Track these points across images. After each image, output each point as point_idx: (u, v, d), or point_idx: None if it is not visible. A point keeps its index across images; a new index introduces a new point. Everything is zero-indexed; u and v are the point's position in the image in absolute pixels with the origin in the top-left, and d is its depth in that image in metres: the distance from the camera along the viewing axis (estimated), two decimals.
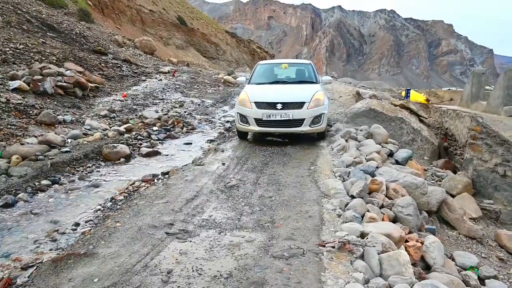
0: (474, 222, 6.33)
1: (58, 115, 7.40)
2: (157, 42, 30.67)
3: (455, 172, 8.27)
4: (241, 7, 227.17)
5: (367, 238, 3.24)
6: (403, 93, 16.52)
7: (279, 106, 6.17)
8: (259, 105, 6.29)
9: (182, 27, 40.97)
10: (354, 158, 5.69)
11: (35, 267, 2.67)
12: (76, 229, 3.39)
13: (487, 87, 12.10)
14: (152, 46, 23.11)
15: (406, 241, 3.85)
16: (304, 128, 6.24)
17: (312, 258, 2.85)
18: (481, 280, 4.35)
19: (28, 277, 2.55)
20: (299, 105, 6.23)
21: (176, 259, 2.77)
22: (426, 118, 10.23)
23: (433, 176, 7.74)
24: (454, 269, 4.10)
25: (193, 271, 2.62)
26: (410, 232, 4.23)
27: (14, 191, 4.14)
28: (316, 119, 6.33)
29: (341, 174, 5.00)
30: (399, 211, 4.41)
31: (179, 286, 2.43)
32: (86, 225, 3.48)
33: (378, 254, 3.00)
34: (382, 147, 7.03)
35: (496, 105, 8.97)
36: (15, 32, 13.12)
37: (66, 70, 10.30)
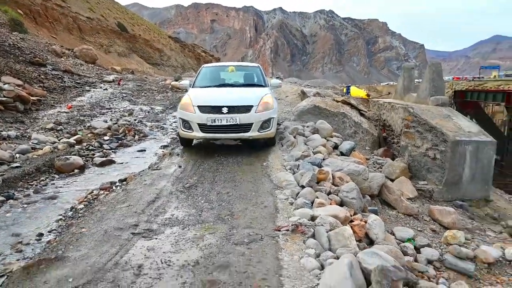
0: (411, 202, 7.04)
1: (1, 131, 7.15)
2: (98, 50, 29.74)
3: (393, 159, 9.07)
4: (183, 11, 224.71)
5: (317, 220, 3.65)
6: (345, 90, 17.64)
7: (224, 109, 5.78)
8: (203, 109, 5.88)
9: (123, 33, 39.96)
10: (303, 152, 6.15)
11: (5, 277, 2.76)
12: (40, 239, 3.46)
13: (416, 80, 13.27)
14: (93, 55, 22.44)
15: (352, 221, 4.32)
16: (253, 133, 5.89)
17: (270, 241, 3.20)
18: (417, 249, 4.97)
19: (0, 286, 2.64)
20: (247, 108, 5.89)
21: (145, 255, 2.98)
22: (366, 112, 11.05)
23: (374, 164, 8.45)
24: (394, 241, 4.67)
25: (162, 263, 2.85)
26: (355, 214, 4.72)
27: None
28: (265, 124, 6.00)
29: (291, 167, 5.42)
30: (345, 196, 4.89)
31: (150, 277, 2.65)
32: (50, 234, 3.55)
33: (327, 232, 3.41)
34: (328, 140, 7.59)
35: (424, 96, 9.94)
36: None
37: (4, 84, 9.85)
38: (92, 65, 21.30)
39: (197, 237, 3.29)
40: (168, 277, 2.64)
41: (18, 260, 3.08)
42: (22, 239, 3.47)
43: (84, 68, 19.25)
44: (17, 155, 5.98)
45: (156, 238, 3.29)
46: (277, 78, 35.76)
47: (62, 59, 19.33)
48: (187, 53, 54.01)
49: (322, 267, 2.84)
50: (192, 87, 7.11)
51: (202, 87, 7.00)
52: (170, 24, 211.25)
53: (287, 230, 3.39)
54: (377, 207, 5.93)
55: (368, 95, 18.08)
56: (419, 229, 5.90)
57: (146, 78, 21.47)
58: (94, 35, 34.56)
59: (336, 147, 7.67)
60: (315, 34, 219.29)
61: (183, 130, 6.12)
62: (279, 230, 3.41)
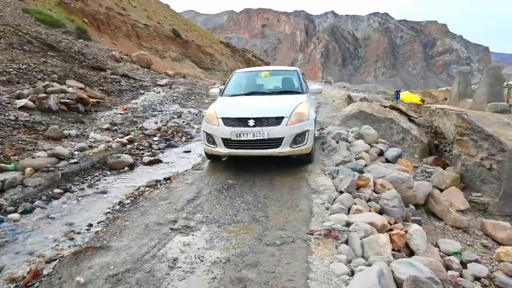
0: (461, 214, 6.68)
1: (64, 130, 7.79)
2: (153, 55, 31.22)
3: (444, 168, 8.63)
4: (235, 16, 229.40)
5: (352, 226, 3.61)
6: (394, 94, 16.97)
7: (251, 122, 5.02)
8: (227, 121, 5.17)
9: (177, 39, 41.57)
10: (344, 158, 6.08)
11: (57, 260, 3.05)
12: (89, 229, 3.76)
13: (474, 86, 12.52)
14: (148, 60, 23.61)
15: (391, 230, 4.22)
16: (283, 149, 5.03)
17: (301, 244, 3.22)
18: (464, 264, 4.71)
19: (52, 268, 2.92)
20: (277, 120, 5.07)
21: (180, 250, 3.15)
22: (416, 118, 10.62)
23: (422, 173, 8.10)
24: (437, 254, 4.46)
25: (195, 258, 2.99)
26: (395, 223, 4.58)
27: (30, 199, 4.52)
28: (299, 138, 5.14)
29: (331, 172, 5.38)
30: (385, 203, 4.77)
31: (184, 270, 2.80)
32: (98, 225, 3.85)
33: (361, 239, 3.37)
34: (372, 146, 7.41)
35: (481, 102, 9.37)
36: (17, 53, 13.59)
37: (68, 87, 10.73)
38: (147, 69, 22.43)
39: (231, 236, 3.39)
40: (200, 272, 2.77)
41: (69, 246, 3.38)
42: (74, 228, 3.80)
43: (139, 72, 20.34)
44: (76, 152, 6.50)
45: (192, 235, 3.44)
46: (325, 82, 35.25)
47: (120, 64, 20.58)
48: (237, 58, 55.04)
49: (352, 273, 2.82)
50: (221, 95, 6.50)
51: (231, 96, 6.37)
52: (222, 29, 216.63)
53: (320, 234, 3.39)
54: (422, 217, 5.69)
55: (422, 100, 17.30)
56: (468, 243, 5.59)
57: (197, 82, 22.22)
58: (150, 41, 36.31)
59: (381, 153, 7.47)
60: (368, 38, 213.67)
61: (207, 145, 5.45)
62: (312, 234, 3.42)
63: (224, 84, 7.18)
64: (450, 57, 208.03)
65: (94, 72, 15.99)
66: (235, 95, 6.35)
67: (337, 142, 7.11)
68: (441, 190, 7.23)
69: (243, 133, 5.01)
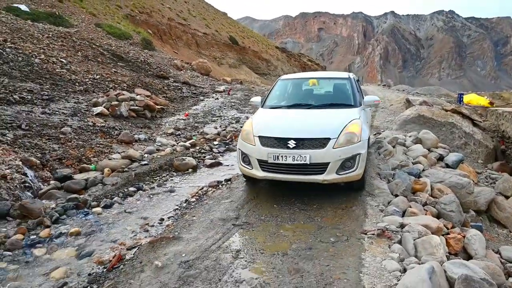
0: None
1: (134, 134, 8.57)
2: (212, 62, 32.45)
3: None
4: (290, 21, 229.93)
5: (405, 227, 3.70)
6: (467, 99, 15.98)
7: (291, 143, 4.32)
8: (265, 141, 4.50)
9: (234, 46, 42.75)
10: (400, 162, 6.07)
11: (137, 248, 3.52)
12: (161, 223, 4.24)
13: None
14: (207, 67, 24.68)
15: (448, 234, 4.22)
16: (328, 176, 4.27)
17: (355, 242, 3.40)
18: None
19: (133, 254, 3.39)
20: (321, 142, 4.32)
21: (242, 243, 3.48)
22: (481, 122, 10.14)
23: (487, 179, 7.76)
24: (497, 260, 4.35)
25: (256, 251, 3.29)
26: (453, 227, 4.55)
27: (109, 196, 5.14)
28: (348, 163, 4.35)
29: (386, 176, 5.43)
30: (442, 208, 4.75)
31: (246, 260, 3.11)
32: (168, 219, 4.31)
33: (414, 240, 3.46)
34: (431, 151, 7.27)
35: None
36: (92, 64, 15.03)
37: (136, 95, 11.70)
38: (206, 76, 23.47)
39: (288, 233, 3.65)
40: (260, 262, 3.07)
41: (145, 237, 3.87)
42: (148, 222, 4.29)
43: (199, 79, 21.36)
44: (145, 155, 7.16)
45: (252, 230, 3.76)
46: (384, 85, 34.15)
47: (181, 72, 21.77)
48: (293, 63, 55.23)
49: (404, 270, 2.94)
50: (262, 106, 5.76)
51: (272, 108, 5.62)
52: (278, 34, 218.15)
53: (373, 234, 3.53)
54: (483, 224, 5.53)
55: (491, 103, 16.23)
56: None
57: (253, 87, 22.81)
58: (209, 49, 37.79)
59: (441, 158, 7.29)
60: (432, 37, 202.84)
61: (242, 165, 4.80)
62: (365, 233, 3.57)
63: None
64: None
65: (159, 80, 17.15)
66: (276, 107, 5.62)
67: (393, 146, 7.08)
68: (507, 197, 6.90)
69: (282, 156, 4.31)
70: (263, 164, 4.47)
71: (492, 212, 5.95)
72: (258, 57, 47.24)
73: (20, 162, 5.46)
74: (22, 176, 5.20)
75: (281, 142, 4.40)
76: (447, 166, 7.02)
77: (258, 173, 4.52)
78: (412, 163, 6.30)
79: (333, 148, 4.30)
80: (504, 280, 3.66)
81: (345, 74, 6.43)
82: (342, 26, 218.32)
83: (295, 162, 4.27)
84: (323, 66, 65.75)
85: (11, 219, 4.36)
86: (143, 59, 19.45)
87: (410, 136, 7.88)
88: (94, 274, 3.18)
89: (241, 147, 4.81)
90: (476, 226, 5.06)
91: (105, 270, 3.21)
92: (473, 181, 6.06)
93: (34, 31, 15.26)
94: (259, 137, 4.57)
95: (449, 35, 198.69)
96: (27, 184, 5.11)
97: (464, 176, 5.97)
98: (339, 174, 4.32)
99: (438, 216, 4.69)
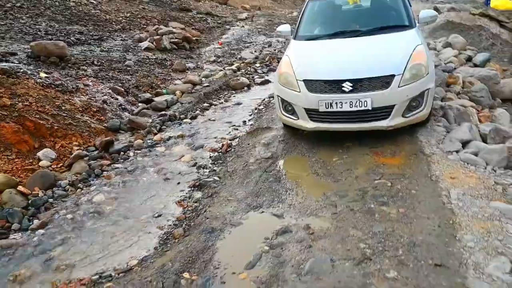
0: None
1: (185, 63, 9.46)
2: None
3: None
4: None
5: (446, 105, 4.63)
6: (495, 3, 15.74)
7: (346, 86, 3.65)
8: (312, 85, 3.82)
9: None
10: (434, 62, 6.81)
11: (237, 138, 4.62)
12: (245, 123, 5.31)
13: None
14: None
15: (478, 112, 5.13)
16: (393, 121, 3.68)
17: None
18: None
19: (237, 141, 4.50)
20: (384, 81, 3.63)
21: None
22: (508, 22, 10.44)
23: None
24: None
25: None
26: (483, 109, 5.45)
27: (191, 110, 6.21)
28: (415, 102, 3.71)
29: None
30: (473, 94, 5.60)
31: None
32: (250, 121, 5.37)
33: (453, 114, 4.41)
34: (460, 53, 7.91)
35: None
36: (120, 3, 15.45)
37: (173, 28, 12.34)
38: (225, 5, 23.36)
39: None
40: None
41: (240, 131, 4.96)
42: (234, 124, 5.37)
43: (219, 9, 21.40)
44: (203, 79, 8.10)
45: None
46: None
47: (200, 3, 21.74)
48: None
49: (448, 131, 3.94)
50: (295, 38, 4.85)
51: (309, 40, 4.72)
52: None
53: None
54: (509, 109, 6.37)
55: None
56: None
57: (273, 13, 22.74)
58: None
59: (469, 59, 7.93)
60: None
61: (284, 115, 4.18)
62: None
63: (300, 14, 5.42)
64: None
65: (183, 13, 17.47)
66: (315, 38, 4.71)
67: None
68: None
69: (336, 102, 3.66)
70: (313, 114, 3.84)
71: None
72: None
73: (110, 90, 6.51)
74: (116, 100, 6.29)
75: (334, 86, 3.71)
76: (475, 65, 7.69)
77: (307, 124, 3.91)
78: (444, 63, 7.03)
79: (398, 86, 3.60)
80: None
81: None
82: None
83: (353, 108, 3.62)
84: None
85: (123, 132, 5.51)
86: None
87: (440, 42, 8.47)
88: (214, 156, 4.32)
89: (281, 93, 4.11)
90: (503, 108, 5.93)
91: (221, 153, 4.35)
92: (499, 75, 6.78)
93: None
94: (304, 81, 3.86)
95: None
96: (123, 106, 6.21)
97: (491, 70, 6.70)
98: (406, 117, 3.71)
99: (470, 101, 5.57)
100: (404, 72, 3.63)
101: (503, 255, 2.03)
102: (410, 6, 4.83)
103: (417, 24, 4.53)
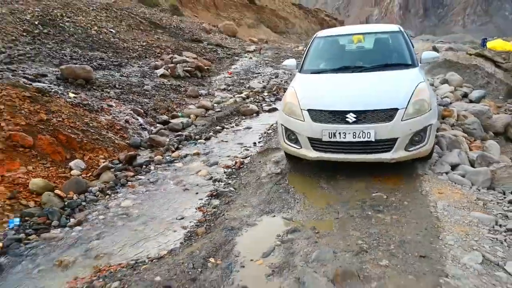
0: None
1: (198, 90, 10.08)
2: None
3: None
4: None
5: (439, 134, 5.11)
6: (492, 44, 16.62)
7: (350, 117, 3.74)
8: (316, 115, 3.91)
9: (251, 6, 42.81)
10: None
11: (249, 157, 5.09)
12: (255, 144, 5.80)
13: None
14: (234, 29, 25.66)
15: (470, 143, 5.60)
16: (396, 154, 3.73)
17: None
18: None
19: (249, 160, 4.96)
20: (387, 114, 3.72)
21: None
22: (503, 63, 11.10)
23: (506, 111, 8.94)
24: (508, 161, 5.74)
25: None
26: (475, 140, 5.93)
27: (205, 132, 6.72)
28: (417, 137, 3.78)
29: None
30: (466, 127, 6.10)
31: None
32: (259, 143, 5.86)
33: (446, 142, 4.88)
34: (457, 90, 8.49)
35: None
36: (136, 32, 16.39)
37: (187, 57, 13.11)
38: (233, 38, 24.51)
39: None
40: None
41: (251, 151, 5.43)
42: (245, 145, 5.85)
43: (228, 41, 22.47)
44: (215, 104, 8.68)
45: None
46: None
47: (210, 35, 22.87)
48: (310, 19, 54.74)
49: (440, 157, 4.39)
50: (300, 71, 4.97)
51: (314, 73, 4.85)
52: None
53: None
54: (500, 142, 6.83)
55: None
56: None
57: (280, 46, 23.82)
58: (227, 10, 38.21)
59: (465, 96, 8.50)
60: None
61: (287, 143, 4.24)
62: None
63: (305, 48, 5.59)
64: None
65: (195, 43, 18.42)
66: (320, 72, 4.85)
67: None
68: None
69: (340, 132, 3.73)
70: (316, 143, 3.91)
71: (508, 133, 7.21)
72: (276, 15, 47.13)
73: (131, 111, 7.06)
74: (137, 120, 6.82)
75: (338, 116, 3.78)
76: (471, 101, 8.25)
77: (310, 153, 3.96)
78: (440, 98, 7.58)
79: (401, 120, 3.68)
80: None
81: (393, 27, 5.46)
82: None
83: (356, 139, 3.68)
84: (341, 20, 64.65)
85: (143, 149, 5.99)
86: (175, 25, 20.60)
87: (437, 78, 9.07)
88: (228, 171, 4.77)
89: (285, 122, 4.19)
90: (494, 140, 6.40)
91: (234, 169, 4.81)
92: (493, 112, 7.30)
93: (80, 5, 16.60)
94: (309, 110, 3.93)
95: None
96: (142, 126, 6.73)
97: (485, 106, 7.23)
98: (408, 151, 3.75)
99: (463, 133, 6.06)
100: (407, 106, 3.71)
101: (477, 251, 2.45)
102: (413, 46, 5.01)
103: (419, 64, 4.62)
